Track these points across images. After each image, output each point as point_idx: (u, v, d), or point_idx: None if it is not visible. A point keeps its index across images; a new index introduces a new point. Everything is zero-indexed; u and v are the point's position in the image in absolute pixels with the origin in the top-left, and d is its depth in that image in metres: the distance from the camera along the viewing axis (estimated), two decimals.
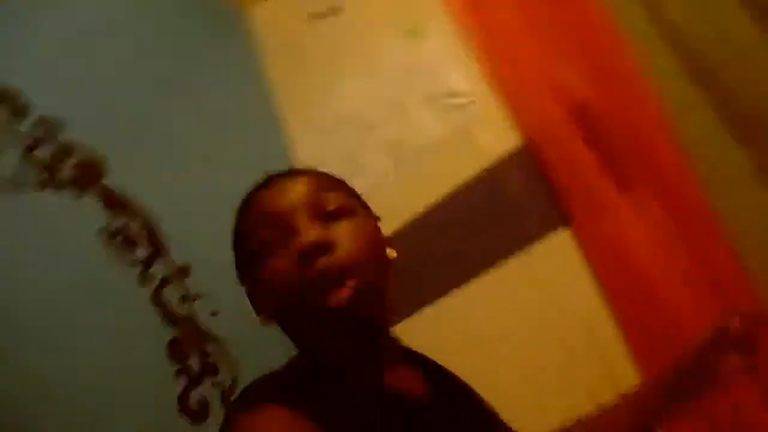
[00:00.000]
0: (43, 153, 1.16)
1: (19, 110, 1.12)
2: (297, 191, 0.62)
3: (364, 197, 1.40)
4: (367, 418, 0.56)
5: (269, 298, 0.61)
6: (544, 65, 1.26)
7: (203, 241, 1.34)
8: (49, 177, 1.13)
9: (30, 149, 1.13)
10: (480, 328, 1.36)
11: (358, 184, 1.56)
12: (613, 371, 1.11)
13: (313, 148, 1.74)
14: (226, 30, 1.85)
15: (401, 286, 1.45)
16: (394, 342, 0.70)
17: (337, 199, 0.63)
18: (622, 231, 1.11)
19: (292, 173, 0.68)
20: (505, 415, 1.23)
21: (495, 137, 1.39)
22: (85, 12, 1.35)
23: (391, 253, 0.68)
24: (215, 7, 1.84)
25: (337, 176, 0.70)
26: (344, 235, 0.59)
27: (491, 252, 1.37)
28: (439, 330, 1.42)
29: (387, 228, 1.48)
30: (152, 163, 1.29)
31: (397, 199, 1.55)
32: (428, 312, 1.45)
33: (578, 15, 1.19)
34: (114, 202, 1.22)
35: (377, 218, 0.71)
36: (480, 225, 1.39)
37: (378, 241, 0.66)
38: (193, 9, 1.74)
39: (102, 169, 1.24)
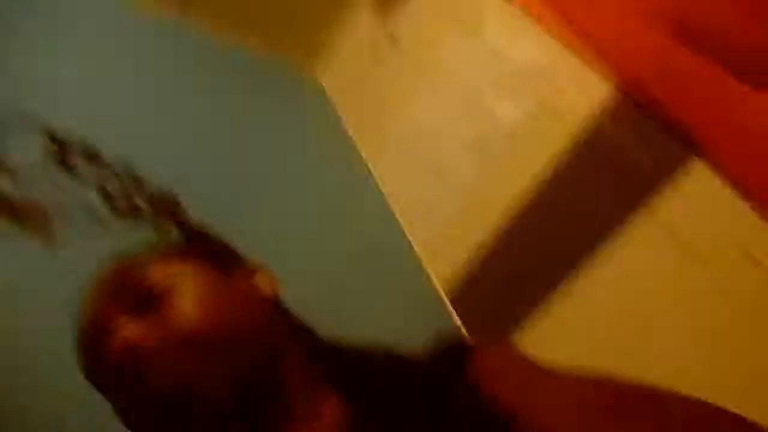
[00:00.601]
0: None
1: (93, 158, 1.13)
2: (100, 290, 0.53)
3: (457, 203, 1.27)
4: None
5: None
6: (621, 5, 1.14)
7: (295, 280, 1.27)
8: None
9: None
10: (622, 299, 1.15)
11: (448, 192, 1.52)
12: None
13: (394, 167, 1.69)
14: (298, 87, 1.92)
15: (521, 282, 1.33)
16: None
17: (155, 272, 0.52)
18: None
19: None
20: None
21: (583, 95, 1.26)
22: (163, 72, 1.42)
23: (271, 288, 0.55)
24: (287, 69, 1.91)
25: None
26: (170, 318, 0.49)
27: (620, 212, 1.18)
28: (593, 306, 1.22)
29: (491, 222, 1.38)
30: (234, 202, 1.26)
31: (493, 194, 1.43)
32: (575, 290, 1.25)
33: None
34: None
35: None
36: (597, 188, 1.22)
37: (229, 295, 0.52)
38: (267, 73, 1.82)
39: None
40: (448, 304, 1.50)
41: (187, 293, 0.51)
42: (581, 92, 1.26)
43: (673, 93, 1.08)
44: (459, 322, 1.47)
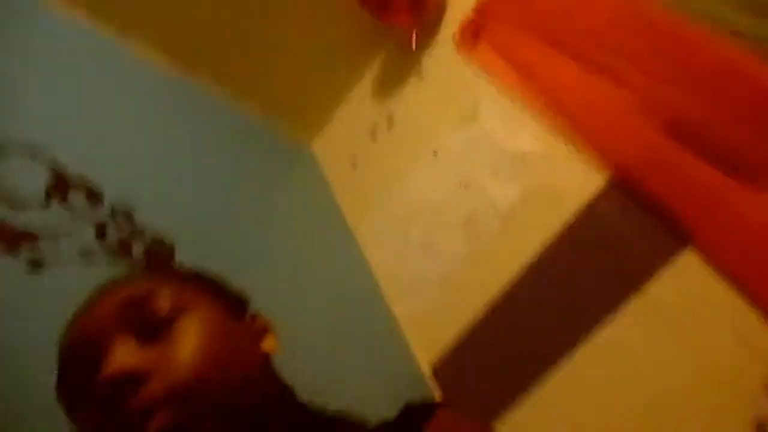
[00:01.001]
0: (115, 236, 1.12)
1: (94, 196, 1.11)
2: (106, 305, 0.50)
3: (446, 281, 1.30)
4: None
5: None
6: (620, 99, 1.24)
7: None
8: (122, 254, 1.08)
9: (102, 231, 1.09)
10: (614, 385, 1.15)
11: (437, 270, 1.52)
12: None
13: (383, 241, 1.69)
14: (292, 153, 1.95)
15: (507, 365, 1.31)
16: None
17: (165, 300, 0.49)
18: (758, 226, 0.98)
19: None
20: None
21: (577, 183, 1.32)
22: (164, 121, 1.43)
23: (270, 345, 0.55)
24: (280, 139, 1.95)
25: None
26: (170, 352, 0.46)
27: (606, 300, 1.21)
28: (568, 401, 1.20)
29: (479, 302, 1.39)
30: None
31: (483, 274, 1.45)
32: (551, 384, 1.24)
33: (638, 34, 1.20)
34: None
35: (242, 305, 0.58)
36: (585, 275, 1.25)
37: (233, 342, 0.51)
38: (264, 135, 1.86)
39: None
40: (431, 382, 1.47)
41: (194, 331, 0.49)
42: (575, 180, 1.32)
43: (665, 185, 1.15)
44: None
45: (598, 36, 1.29)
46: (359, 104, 2.03)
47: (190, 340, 0.47)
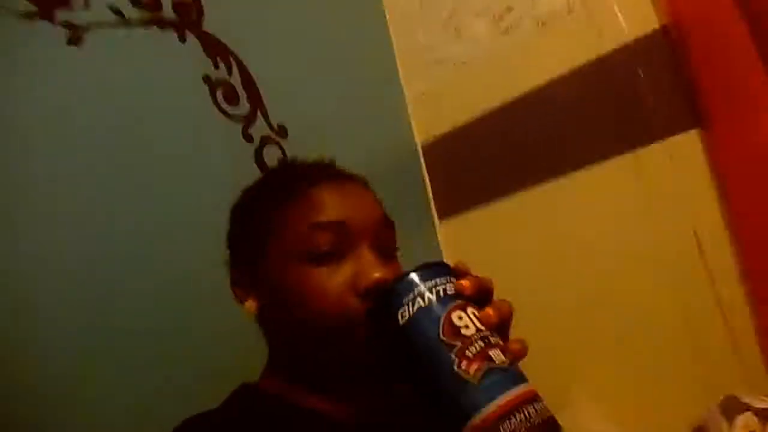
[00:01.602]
0: None
1: None
2: (367, 210, 0.58)
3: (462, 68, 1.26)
4: None
5: (286, 298, 0.55)
6: None
7: (299, 105, 1.28)
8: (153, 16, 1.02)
9: None
10: (571, 226, 1.33)
11: (456, 53, 1.50)
12: (719, 293, 1.10)
13: (410, 16, 1.59)
14: None
15: (493, 168, 1.45)
16: None
17: (392, 239, 0.60)
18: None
19: (346, 176, 0.62)
20: (586, 314, 1.27)
21: (628, 17, 1.24)
22: None
23: None
24: None
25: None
26: None
27: (601, 146, 1.29)
28: (529, 216, 1.39)
29: (486, 101, 1.43)
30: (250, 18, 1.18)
31: (497, 75, 1.45)
32: (520, 198, 1.41)
33: None
34: (215, 50, 1.12)
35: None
36: (594, 113, 1.30)
37: None
38: None
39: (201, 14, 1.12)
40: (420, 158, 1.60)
41: None
42: (628, 13, 1.24)
43: (707, 60, 1.12)
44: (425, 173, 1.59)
45: None
46: None
47: None
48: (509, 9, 1.44)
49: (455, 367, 0.44)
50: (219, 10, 1.15)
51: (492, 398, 0.43)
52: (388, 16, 1.63)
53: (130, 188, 0.96)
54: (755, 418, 0.63)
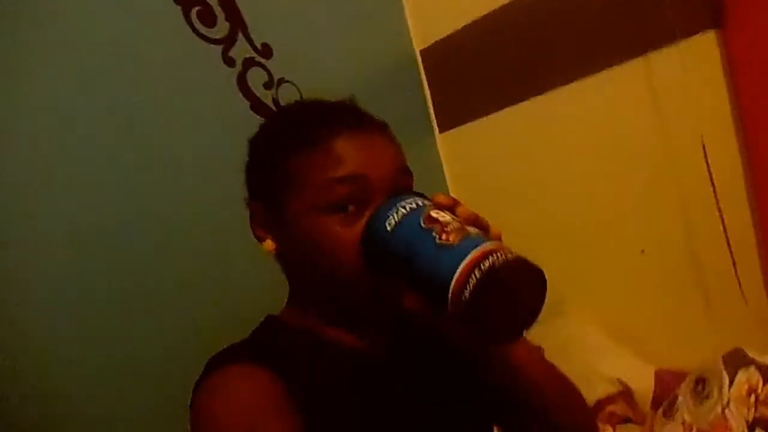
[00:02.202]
0: None
1: None
2: (387, 162, 0.58)
3: None
4: (333, 375, 0.56)
5: (306, 244, 0.57)
6: None
7: (282, 20, 1.20)
8: None
9: None
10: (577, 132, 1.28)
11: None
12: (721, 200, 1.06)
13: None
14: None
15: (496, 76, 1.37)
16: None
17: (410, 188, 0.59)
18: None
19: (367, 123, 0.60)
20: (588, 224, 1.25)
21: None
22: None
23: None
24: None
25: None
26: None
27: (607, 51, 1.20)
28: (534, 127, 1.34)
29: (483, 7, 1.32)
30: None
31: None
32: (522, 109, 1.35)
33: None
34: None
35: None
36: (599, 18, 1.19)
37: None
38: None
39: None
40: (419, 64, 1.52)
41: None
42: None
43: None
44: (427, 90, 1.52)
45: None
46: None
47: None
48: None
49: (437, 240, 0.48)
50: None
51: (473, 246, 0.46)
52: None
53: (111, 130, 0.94)
54: (758, 374, 0.63)
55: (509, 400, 0.60)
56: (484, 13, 1.37)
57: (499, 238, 0.50)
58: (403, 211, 0.52)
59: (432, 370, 0.63)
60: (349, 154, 0.56)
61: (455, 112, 1.48)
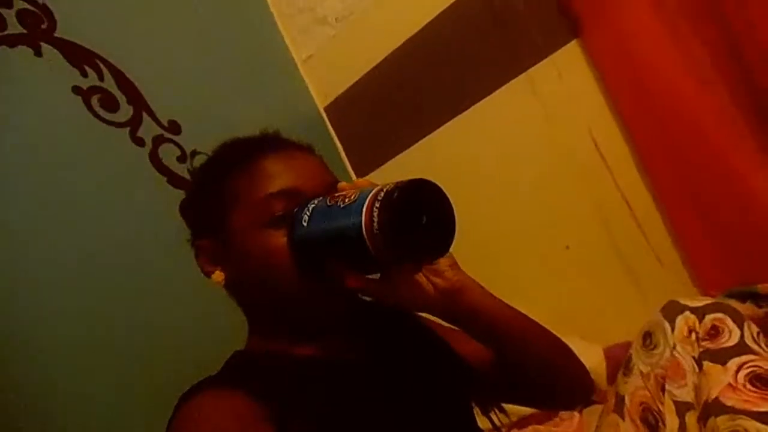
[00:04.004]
0: None
1: None
2: (316, 174, 0.62)
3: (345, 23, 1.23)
4: (308, 389, 0.57)
5: (250, 263, 0.59)
6: None
7: (186, 95, 1.22)
8: None
9: None
10: (484, 152, 1.37)
11: (335, 8, 1.47)
12: (619, 182, 1.18)
13: None
14: None
15: (399, 117, 1.46)
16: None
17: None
18: (636, 35, 1.08)
19: (294, 145, 0.65)
20: (514, 232, 1.34)
21: None
22: None
23: None
24: None
25: None
26: None
27: (492, 75, 1.32)
28: (443, 156, 1.42)
29: (373, 57, 1.43)
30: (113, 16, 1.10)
31: (380, 25, 1.44)
32: (430, 140, 1.43)
33: None
34: (78, 57, 1.05)
35: None
36: (481, 45, 1.31)
37: None
38: None
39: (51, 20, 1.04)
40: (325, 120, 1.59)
41: None
42: None
43: None
44: (338, 142, 1.58)
45: None
46: None
47: None
48: None
49: (341, 206, 0.53)
50: (72, 13, 1.07)
51: (369, 192, 0.52)
52: None
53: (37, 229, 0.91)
54: (693, 316, 0.69)
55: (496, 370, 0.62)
56: (375, 63, 1.46)
57: None
58: (312, 205, 0.57)
59: (403, 361, 0.64)
60: (281, 171, 0.60)
61: (368, 157, 1.55)
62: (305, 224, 0.56)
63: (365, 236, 0.50)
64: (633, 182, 1.16)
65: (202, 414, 0.52)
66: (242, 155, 0.62)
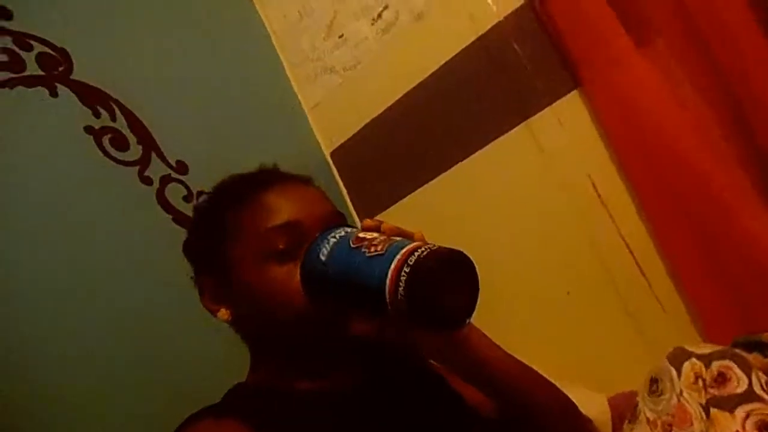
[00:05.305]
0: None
1: None
2: (316, 206, 0.62)
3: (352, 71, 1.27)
4: (309, 423, 0.56)
5: (254, 298, 0.59)
6: None
7: (195, 137, 1.25)
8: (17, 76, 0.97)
9: None
10: (485, 198, 1.38)
11: (343, 58, 1.52)
12: (621, 229, 1.18)
13: (293, 26, 1.59)
14: None
15: (402, 163, 1.48)
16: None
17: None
18: (636, 88, 1.11)
19: (293, 178, 0.66)
20: (515, 279, 1.34)
21: (497, 3, 1.31)
22: None
23: None
24: None
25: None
26: None
27: (493, 124, 1.35)
28: (445, 201, 1.43)
29: (378, 105, 1.47)
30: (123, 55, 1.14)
31: (385, 74, 1.48)
32: (432, 186, 1.45)
33: None
34: (92, 98, 1.08)
35: None
36: (485, 93, 1.35)
37: None
38: None
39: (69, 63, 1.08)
40: (331, 165, 1.61)
41: None
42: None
43: (568, 21, 1.19)
44: (343, 187, 1.60)
45: None
46: None
47: None
48: (386, 7, 1.47)
49: (366, 254, 0.51)
50: (89, 56, 1.11)
51: (399, 249, 0.50)
52: (270, 32, 1.63)
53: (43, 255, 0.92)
54: (699, 362, 0.69)
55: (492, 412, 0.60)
56: (380, 111, 1.50)
57: (422, 239, 0.54)
58: (333, 239, 0.55)
59: (404, 396, 0.63)
60: (282, 205, 0.60)
61: (372, 203, 1.56)
62: (323, 258, 0.54)
63: (387, 298, 0.48)
64: (634, 229, 1.16)
65: None
66: (242, 190, 0.63)
